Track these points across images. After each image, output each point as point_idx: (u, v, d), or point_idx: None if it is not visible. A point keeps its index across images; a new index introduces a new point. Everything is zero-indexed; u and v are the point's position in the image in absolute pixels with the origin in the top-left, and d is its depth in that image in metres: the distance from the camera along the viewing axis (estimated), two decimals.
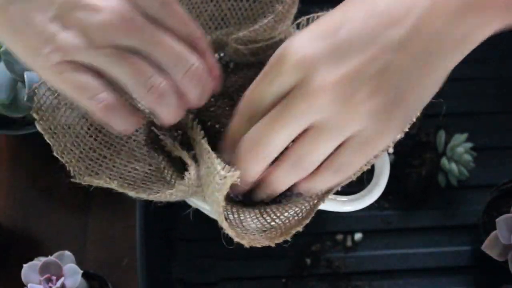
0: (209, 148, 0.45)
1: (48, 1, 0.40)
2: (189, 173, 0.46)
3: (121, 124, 0.43)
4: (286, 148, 0.43)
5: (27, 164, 0.72)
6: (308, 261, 0.66)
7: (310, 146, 0.42)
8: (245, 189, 0.46)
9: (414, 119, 0.47)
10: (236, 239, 0.43)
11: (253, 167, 0.43)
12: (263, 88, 0.43)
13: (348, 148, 0.42)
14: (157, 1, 0.41)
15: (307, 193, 0.46)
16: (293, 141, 0.43)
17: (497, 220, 0.56)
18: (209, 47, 0.45)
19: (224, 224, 0.43)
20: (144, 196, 0.46)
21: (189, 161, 0.47)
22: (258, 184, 0.46)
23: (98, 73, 0.41)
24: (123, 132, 0.44)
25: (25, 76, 0.58)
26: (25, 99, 0.58)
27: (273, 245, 0.44)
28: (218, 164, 0.43)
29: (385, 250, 0.66)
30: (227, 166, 0.42)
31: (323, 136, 0.41)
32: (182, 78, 0.42)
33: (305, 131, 0.42)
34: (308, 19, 0.54)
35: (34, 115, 0.47)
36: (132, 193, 0.46)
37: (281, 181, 0.44)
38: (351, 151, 0.42)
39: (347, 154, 0.42)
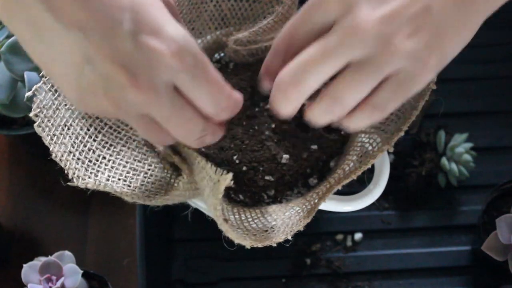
0: (196, 154, 0.45)
1: (72, 49, 0.38)
2: (184, 178, 0.46)
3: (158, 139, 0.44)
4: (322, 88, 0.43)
5: (27, 164, 0.72)
6: (308, 261, 0.66)
7: (349, 83, 0.42)
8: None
9: (414, 118, 0.48)
10: (237, 241, 0.43)
11: (290, 104, 0.44)
12: (303, 21, 0.43)
13: (386, 87, 0.42)
14: (186, 74, 0.40)
15: (343, 129, 0.46)
16: (330, 80, 0.43)
17: (497, 220, 0.56)
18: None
19: (223, 227, 0.43)
20: (140, 201, 0.46)
21: (183, 166, 0.47)
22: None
23: None
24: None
25: (25, 76, 0.58)
26: (25, 99, 0.58)
27: (274, 244, 0.44)
28: (209, 169, 0.43)
29: (385, 250, 0.66)
30: (218, 169, 0.42)
31: (363, 73, 0.41)
32: (218, 112, 0.42)
33: (343, 69, 0.42)
34: None
35: (34, 118, 0.47)
36: (128, 198, 0.46)
37: (318, 119, 0.44)
38: (389, 90, 0.42)
39: (386, 92, 0.42)
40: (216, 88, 0.42)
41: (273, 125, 0.52)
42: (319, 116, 0.44)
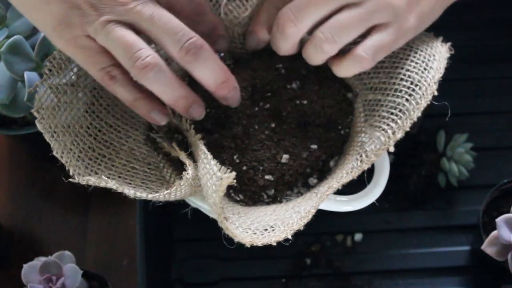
0: (205, 149, 0.45)
1: None
2: (188, 173, 0.46)
3: (126, 96, 0.46)
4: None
5: (27, 164, 0.72)
6: (308, 261, 0.66)
7: (340, 24, 0.49)
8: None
9: (415, 119, 0.47)
10: (236, 239, 0.43)
11: (288, 40, 0.50)
12: None
13: (372, 37, 0.49)
14: None
15: (337, 74, 0.52)
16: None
17: (497, 220, 0.56)
18: (211, 13, 0.51)
19: (223, 225, 0.43)
20: (143, 195, 0.46)
21: (187, 161, 0.47)
22: None
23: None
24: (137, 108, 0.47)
25: (25, 76, 0.58)
26: (25, 99, 0.58)
27: (274, 243, 0.44)
28: (214, 166, 0.43)
29: (385, 250, 0.66)
30: (223, 167, 0.42)
31: (354, 17, 0.48)
32: (179, 52, 0.45)
33: (337, 12, 0.49)
34: None
35: (35, 114, 0.47)
36: (131, 193, 0.46)
37: (312, 57, 0.51)
38: (375, 40, 0.49)
39: (372, 41, 0.49)
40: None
41: (273, 125, 0.52)
42: (312, 53, 0.50)
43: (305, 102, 0.53)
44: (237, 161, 0.50)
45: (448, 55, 0.51)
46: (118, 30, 0.44)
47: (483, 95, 0.73)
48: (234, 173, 0.42)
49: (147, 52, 0.44)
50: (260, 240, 0.44)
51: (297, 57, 0.55)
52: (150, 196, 0.46)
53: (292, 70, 0.54)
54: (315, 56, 0.50)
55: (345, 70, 0.51)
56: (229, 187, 0.51)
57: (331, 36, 0.49)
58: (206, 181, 0.45)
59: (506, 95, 0.73)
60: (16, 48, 0.58)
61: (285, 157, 0.50)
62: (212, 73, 0.46)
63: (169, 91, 0.45)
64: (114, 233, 0.68)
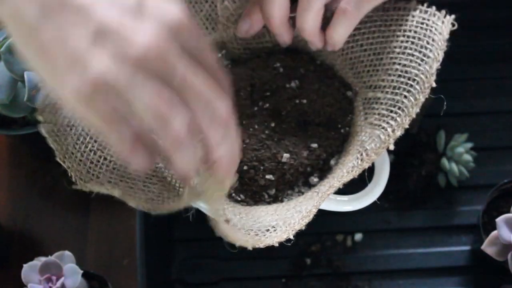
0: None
1: (83, 21, 0.37)
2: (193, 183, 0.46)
3: (139, 161, 0.39)
4: None
5: (27, 164, 0.72)
6: (308, 261, 0.66)
7: None
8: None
9: (414, 115, 0.47)
10: (238, 244, 0.43)
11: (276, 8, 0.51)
12: None
13: None
14: (196, 35, 0.39)
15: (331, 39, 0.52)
16: None
17: (497, 220, 0.56)
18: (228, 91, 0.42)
19: (224, 231, 0.43)
20: (144, 209, 0.46)
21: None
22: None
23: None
24: (138, 169, 0.40)
25: (25, 76, 0.58)
26: (25, 99, 0.58)
27: (276, 244, 0.44)
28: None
29: (385, 250, 0.66)
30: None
31: None
32: (209, 122, 0.39)
33: None
34: None
35: (39, 118, 0.47)
36: (133, 204, 0.46)
37: (305, 19, 0.51)
38: None
39: None
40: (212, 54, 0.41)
41: (273, 124, 0.52)
42: (303, 16, 0.50)
43: (304, 101, 0.53)
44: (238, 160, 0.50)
45: (448, 30, 0.49)
46: (147, 91, 0.37)
47: (483, 95, 0.72)
48: (236, 175, 0.42)
49: (180, 122, 0.38)
50: (262, 241, 0.44)
51: (296, 56, 0.55)
52: (152, 211, 0.46)
53: (291, 69, 0.54)
54: (306, 18, 0.51)
55: (335, 30, 0.51)
56: (230, 188, 0.51)
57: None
58: (209, 184, 0.45)
59: (506, 95, 0.73)
60: (16, 48, 0.58)
61: (285, 156, 0.50)
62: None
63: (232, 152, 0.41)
64: (114, 233, 0.68)
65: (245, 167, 0.50)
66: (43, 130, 0.47)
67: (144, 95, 0.36)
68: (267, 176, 0.50)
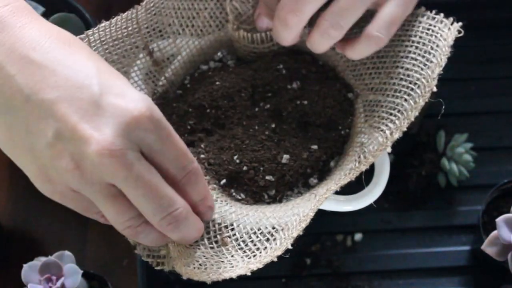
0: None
1: (45, 126, 0.39)
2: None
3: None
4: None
5: None
6: (308, 261, 0.66)
7: (343, 6, 0.48)
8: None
9: (413, 119, 0.47)
10: (236, 273, 0.44)
11: (290, 31, 0.50)
12: None
13: (384, 8, 0.49)
14: (154, 135, 0.40)
15: (351, 57, 0.52)
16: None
17: (497, 220, 0.56)
18: (203, 180, 0.45)
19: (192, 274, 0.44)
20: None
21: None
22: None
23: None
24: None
25: None
26: None
27: (275, 259, 0.44)
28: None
29: (385, 250, 0.66)
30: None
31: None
32: (160, 221, 0.42)
33: None
34: None
35: None
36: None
37: (319, 44, 0.51)
38: (388, 9, 0.49)
39: (386, 11, 0.49)
40: (181, 148, 0.42)
41: (273, 125, 0.52)
42: (319, 41, 0.50)
43: (305, 102, 0.53)
44: (238, 161, 0.50)
45: (453, 37, 0.49)
46: (103, 198, 0.41)
47: (483, 95, 0.72)
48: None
49: (135, 221, 0.44)
50: (261, 260, 0.44)
51: (298, 57, 0.55)
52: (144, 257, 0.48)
53: (293, 71, 0.54)
54: (322, 44, 0.51)
55: (360, 52, 0.51)
56: (230, 187, 0.51)
57: (337, 22, 0.49)
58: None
59: (506, 95, 0.73)
60: None
61: (285, 158, 0.50)
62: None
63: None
64: (114, 233, 0.68)
65: (244, 168, 0.50)
66: None
67: (106, 209, 0.42)
68: (267, 177, 0.50)
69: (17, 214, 0.69)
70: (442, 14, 0.51)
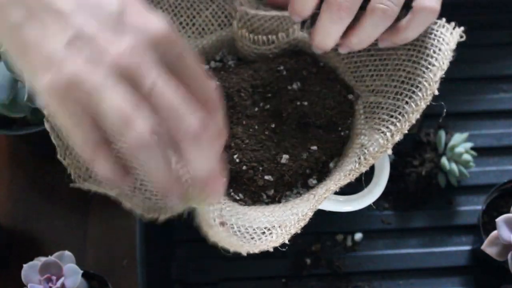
0: None
1: (62, 26, 0.39)
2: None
3: (103, 167, 0.39)
4: None
5: (27, 164, 0.72)
6: (308, 261, 0.66)
7: None
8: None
9: (414, 121, 0.47)
10: (232, 249, 0.44)
11: (340, 28, 0.48)
12: None
13: None
14: (173, 51, 0.39)
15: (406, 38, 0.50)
16: None
17: (497, 220, 0.56)
18: (219, 107, 0.41)
19: (218, 235, 0.43)
20: (138, 209, 0.46)
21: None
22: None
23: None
24: (105, 178, 0.40)
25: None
26: (25, 99, 0.58)
27: (271, 249, 0.44)
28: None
29: (385, 250, 0.66)
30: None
31: None
32: (182, 132, 0.38)
33: None
34: None
35: (45, 112, 0.47)
36: (127, 206, 0.46)
37: (327, 33, 0.49)
38: None
39: None
40: (200, 71, 0.40)
41: (273, 125, 0.52)
42: (328, 27, 0.48)
43: (305, 103, 0.53)
44: (237, 160, 0.50)
45: (455, 41, 0.50)
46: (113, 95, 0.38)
47: (483, 95, 0.72)
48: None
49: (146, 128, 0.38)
50: (257, 246, 0.44)
51: (299, 58, 0.55)
52: (145, 214, 0.46)
53: (293, 71, 0.54)
54: (330, 33, 0.49)
55: (366, 33, 0.49)
56: (230, 186, 0.51)
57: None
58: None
59: (506, 95, 0.73)
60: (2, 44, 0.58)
61: (285, 158, 0.50)
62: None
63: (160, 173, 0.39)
64: (114, 233, 0.68)
65: (244, 167, 0.50)
66: (47, 125, 0.47)
67: (111, 96, 0.37)
68: (266, 177, 0.50)
69: (17, 214, 0.69)
70: (444, 19, 0.51)
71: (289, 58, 0.55)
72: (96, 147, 0.38)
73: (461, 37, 0.49)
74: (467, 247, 0.66)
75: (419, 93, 0.48)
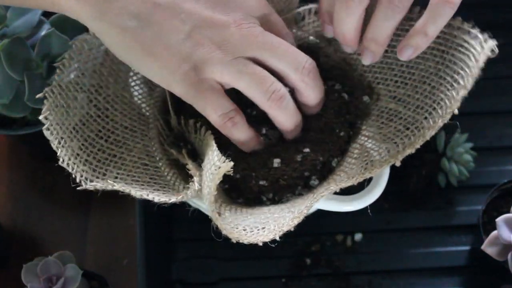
0: (213, 142, 0.46)
1: (179, 23, 0.44)
2: (194, 184, 0.46)
3: (241, 137, 0.48)
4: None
5: (27, 164, 0.72)
6: (308, 261, 0.66)
7: None
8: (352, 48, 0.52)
9: (428, 138, 0.47)
10: (224, 232, 0.43)
11: (352, 17, 0.49)
12: None
13: None
14: (270, 14, 0.48)
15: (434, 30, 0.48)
16: None
17: (497, 220, 0.56)
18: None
19: (213, 214, 0.43)
20: (149, 197, 0.46)
21: (193, 171, 0.47)
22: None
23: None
24: (243, 146, 0.49)
25: (25, 76, 0.58)
26: (25, 99, 0.58)
27: (260, 243, 0.44)
28: (216, 156, 0.44)
29: (385, 250, 0.66)
30: (222, 157, 0.43)
31: None
32: (302, 76, 0.47)
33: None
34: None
35: (43, 121, 0.47)
36: (137, 194, 0.46)
37: (383, 27, 0.48)
38: None
39: None
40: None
41: (264, 131, 0.51)
42: (382, 21, 0.48)
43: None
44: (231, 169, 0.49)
45: (485, 58, 0.48)
46: (250, 66, 0.45)
47: (483, 95, 0.72)
48: (231, 163, 0.43)
49: (279, 84, 0.46)
50: (247, 237, 0.44)
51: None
52: (156, 199, 0.46)
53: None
54: (387, 25, 0.48)
55: (434, 24, 0.47)
56: (230, 190, 0.51)
57: None
58: (205, 172, 0.45)
59: (506, 95, 0.73)
60: (16, 48, 0.58)
61: (276, 162, 0.49)
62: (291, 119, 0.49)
63: (293, 119, 0.48)
64: (114, 233, 0.68)
65: (237, 176, 0.50)
66: (47, 133, 0.47)
67: (247, 70, 0.45)
68: (261, 182, 0.50)
69: (17, 214, 0.69)
70: (477, 29, 0.49)
71: None
72: (230, 120, 0.46)
73: (492, 51, 0.48)
74: (467, 247, 0.66)
75: (439, 111, 0.47)
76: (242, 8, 0.46)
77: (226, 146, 0.49)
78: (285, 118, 0.48)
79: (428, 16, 0.47)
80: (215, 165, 0.43)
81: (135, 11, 0.44)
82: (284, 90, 0.46)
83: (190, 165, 0.48)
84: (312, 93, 0.48)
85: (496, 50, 0.48)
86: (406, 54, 0.48)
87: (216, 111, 0.46)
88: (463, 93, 0.46)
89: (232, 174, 0.47)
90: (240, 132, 0.47)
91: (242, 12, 0.46)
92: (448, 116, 0.46)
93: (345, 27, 0.49)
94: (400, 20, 0.48)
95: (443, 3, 0.46)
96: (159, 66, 0.45)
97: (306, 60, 0.47)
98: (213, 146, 0.45)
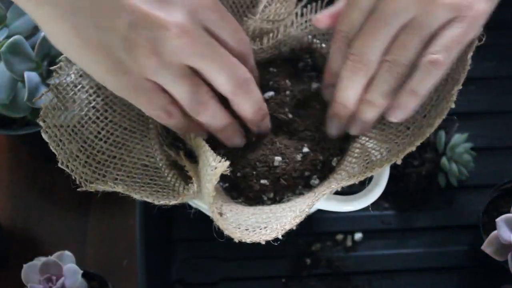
0: (203, 143, 0.46)
1: (114, 22, 0.42)
2: (193, 185, 0.46)
3: (213, 123, 0.47)
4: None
5: (27, 164, 0.72)
6: (308, 261, 0.66)
7: (404, 43, 0.46)
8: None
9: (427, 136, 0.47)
10: (226, 232, 0.43)
11: (356, 84, 0.47)
12: (350, 13, 0.47)
13: (443, 36, 0.46)
14: (217, 14, 0.45)
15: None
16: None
17: (497, 220, 0.56)
18: (254, 64, 0.50)
19: (214, 215, 0.43)
20: (148, 200, 0.46)
21: (191, 172, 0.47)
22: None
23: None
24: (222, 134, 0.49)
25: (25, 76, 0.58)
26: (25, 99, 0.58)
27: (263, 242, 0.44)
28: (210, 156, 0.43)
29: (385, 250, 0.66)
30: (218, 157, 0.43)
31: (415, 32, 0.45)
32: (233, 87, 0.45)
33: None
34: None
35: (41, 123, 0.47)
36: (137, 196, 0.46)
37: (383, 89, 0.47)
38: (447, 38, 0.46)
39: (446, 37, 0.46)
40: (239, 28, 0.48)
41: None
42: (381, 84, 0.47)
43: (296, 125, 0.52)
44: (231, 168, 0.49)
45: (470, 55, 0.49)
46: (184, 76, 0.44)
47: (483, 95, 0.73)
48: (227, 162, 0.43)
49: (210, 94, 0.46)
50: (249, 237, 0.44)
51: (287, 64, 0.55)
52: (156, 201, 0.46)
53: (283, 79, 0.54)
54: (385, 88, 0.47)
55: (422, 83, 0.46)
56: (230, 190, 0.51)
57: (399, 60, 0.46)
58: (203, 175, 0.45)
59: (506, 95, 0.73)
60: (16, 48, 0.58)
61: (277, 160, 0.50)
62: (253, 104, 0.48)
63: (222, 122, 0.48)
64: (114, 233, 0.68)
65: (238, 174, 0.50)
66: (45, 136, 0.47)
67: (177, 86, 0.44)
68: (262, 181, 0.50)
69: (17, 214, 0.69)
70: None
71: (281, 62, 0.55)
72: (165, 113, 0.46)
73: (480, 39, 0.49)
74: (467, 247, 0.66)
75: (437, 109, 0.48)
76: (186, 6, 0.43)
77: (220, 145, 0.50)
78: (214, 125, 0.48)
79: (417, 76, 0.46)
80: (211, 165, 0.43)
81: (70, 1, 0.42)
82: (213, 101, 0.46)
83: (188, 166, 0.48)
84: (245, 104, 0.47)
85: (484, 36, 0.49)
86: (396, 115, 0.48)
87: (151, 106, 0.45)
88: (457, 88, 0.47)
89: (229, 174, 0.47)
90: (210, 117, 0.47)
91: (186, 10, 0.43)
92: (445, 112, 0.47)
93: (350, 92, 0.48)
94: (397, 79, 0.47)
95: (431, 64, 0.46)
96: (98, 67, 0.44)
97: (241, 73, 0.46)
98: (205, 147, 0.45)
